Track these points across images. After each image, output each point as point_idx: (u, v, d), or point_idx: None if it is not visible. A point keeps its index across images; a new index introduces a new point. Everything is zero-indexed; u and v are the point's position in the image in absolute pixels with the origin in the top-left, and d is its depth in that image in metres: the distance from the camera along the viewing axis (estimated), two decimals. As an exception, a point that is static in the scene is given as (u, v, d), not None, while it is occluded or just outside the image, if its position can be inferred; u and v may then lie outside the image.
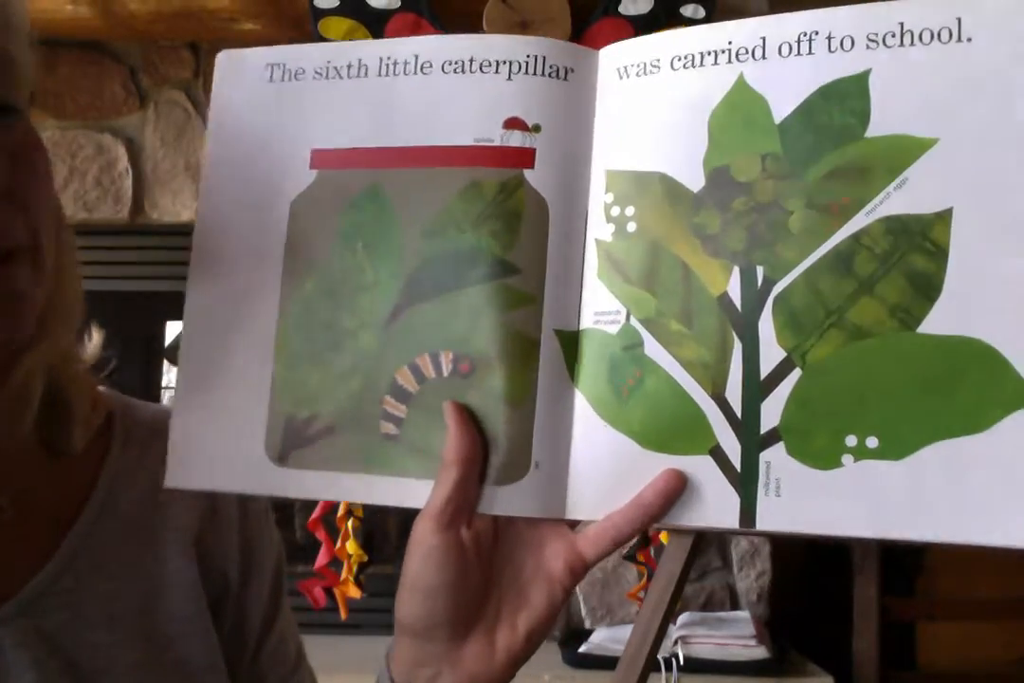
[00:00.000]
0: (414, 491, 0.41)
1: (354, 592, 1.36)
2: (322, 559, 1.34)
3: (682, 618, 1.50)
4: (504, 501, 0.40)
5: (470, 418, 0.41)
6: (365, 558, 1.36)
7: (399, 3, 1.40)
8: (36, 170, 0.40)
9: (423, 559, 0.39)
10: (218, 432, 0.44)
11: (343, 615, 1.35)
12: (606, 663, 1.35)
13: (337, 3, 1.40)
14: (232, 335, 0.45)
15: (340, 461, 0.43)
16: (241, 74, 0.47)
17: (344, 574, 1.36)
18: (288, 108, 0.46)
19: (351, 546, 1.35)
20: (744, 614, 1.53)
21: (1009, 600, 1.54)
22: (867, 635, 1.51)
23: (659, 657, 1.27)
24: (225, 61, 0.47)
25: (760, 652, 1.38)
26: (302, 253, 0.45)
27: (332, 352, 0.44)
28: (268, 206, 0.45)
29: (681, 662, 1.36)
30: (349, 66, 0.45)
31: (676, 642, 1.39)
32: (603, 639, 1.46)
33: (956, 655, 1.61)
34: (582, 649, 1.44)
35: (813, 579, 1.64)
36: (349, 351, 0.44)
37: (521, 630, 0.40)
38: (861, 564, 1.55)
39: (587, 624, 1.60)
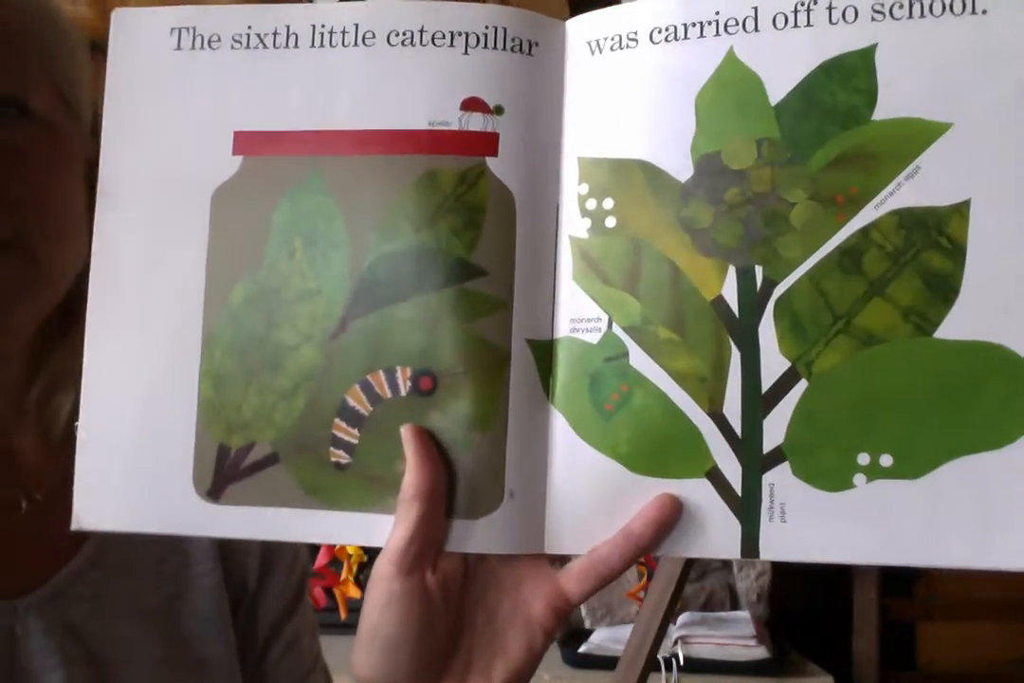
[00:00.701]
0: (372, 527, 0.37)
1: (354, 592, 1.35)
2: (322, 559, 1.33)
3: (682, 618, 1.49)
4: (475, 537, 0.36)
5: (432, 443, 0.36)
6: (365, 558, 1.35)
7: (399, 3, 1.42)
8: (33, 170, 0.41)
9: (383, 607, 0.35)
10: (134, 465, 0.39)
11: (343, 615, 1.34)
12: (606, 663, 1.33)
13: (337, 4, 1.43)
14: (144, 352, 0.39)
15: (284, 495, 0.38)
16: (140, 39, 0.40)
17: (344, 574, 1.35)
18: (201, 82, 0.40)
19: (351, 546, 1.32)
20: (744, 614, 1.53)
21: (1009, 600, 1.57)
22: (867, 635, 1.52)
23: (659, 657, 1.26)
24: (120, 22, 0.40)
25: (760, 652, 1.38)
26: (228, 254, 0.39)
27: (269, 371, 0.39)
28: (183, 199, 0.39)
29: (681, 662, 1.35)
30: (275, 33, 0.40)
31: (676, 642, 1.38)
32: (603, 639, 1.45)
33: (956, 655, 1.64)
34: (582, 649, 1.43)
35: (813, 579, 1.65)
36: (289, 369, 0.39)
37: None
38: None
39: (587, 624, 1.58)
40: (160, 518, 0.39)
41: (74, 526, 0.39)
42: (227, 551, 0.50)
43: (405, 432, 0.36)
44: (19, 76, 0.42)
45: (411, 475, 0.35)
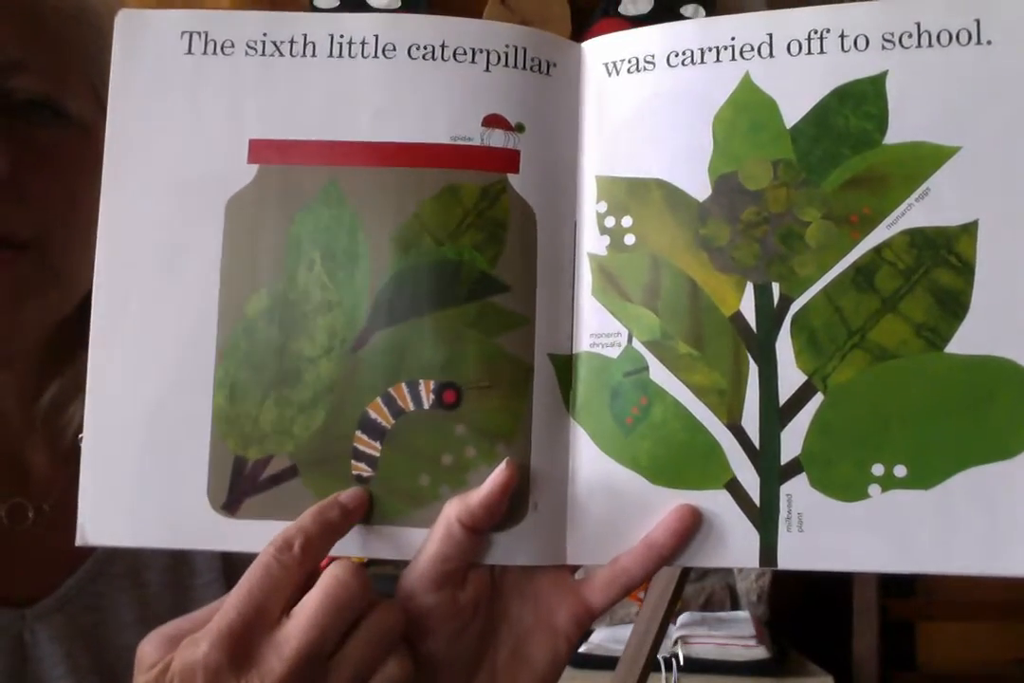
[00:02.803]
0: (395, 540, 0.38)
1: (355, 592, 1.36)
2: (324, 560, 1.33)
3: (682, 618, 1.51)
4: (500, 549, 0.37)
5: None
6: (365, 558, 1.34)
7: (399, 3, 1.45)
8: (62, 173, 0.43)
9: (411, 624, 0.36)
10: (143, 478, 0.39)
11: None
12: (606, 663, 1.34)
13: (337, 3, 1.45)
14: (154, 362, 0.40)
15: (304, 508, 0.39)
16: (149, 43, 0.40)
17: (345, 574, 1.37)
18: (215, 88, 0.40)
19: None
20: (744, 614, 1.55)
21: (1009, 600, 1.60)
22: (867, 635, 1.56)
23: (659, 657, 1.28)
24: (126, 25, 0.41)
25: (760, 652, 1.40)
26: (243, 264, 0.40)
27: (287, 383, 0.40)
28: (196, 207, 0.40)
29: (681, 662, 1.37)
30: (292, 42, 0.40)
31: (676, 642, 1.40)
32: (603, 639, 1.47)
33: (956, 655, 1.67)
34: (582, 649, 1.44)
35: (813, 579, 1.68)
36: (308, 382, 0.40)
37: (521, 693, 0.38)
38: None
39: None
40: (172, 532, 0.39)
41: (79, 541, 0.39)
42: (231, 562, 0.52)
43: (507, 468, 0.36)
44: (58, 79, 0.44)
45: (481, 508, 0.36)
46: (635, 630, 0.40)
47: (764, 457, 0.37)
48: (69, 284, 0.45)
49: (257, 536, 0.39)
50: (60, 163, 0.44)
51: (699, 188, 0.38)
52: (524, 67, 0.40)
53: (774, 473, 0.37)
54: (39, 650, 0.45)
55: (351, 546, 0.39)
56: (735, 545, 0.37)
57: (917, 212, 0.36)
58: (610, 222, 0.40)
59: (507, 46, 0.40)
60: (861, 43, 0.37)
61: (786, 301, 0.37)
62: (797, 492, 0.36)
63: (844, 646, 1.60)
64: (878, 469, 0.36)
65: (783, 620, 1.62)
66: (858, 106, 0.37)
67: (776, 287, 0.37)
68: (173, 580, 0.50)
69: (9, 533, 0.48)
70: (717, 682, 1.39)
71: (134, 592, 0.49)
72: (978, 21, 0.36)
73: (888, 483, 0.36)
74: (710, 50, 0.39)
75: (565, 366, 0.39)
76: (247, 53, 0.41)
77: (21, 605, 0.46)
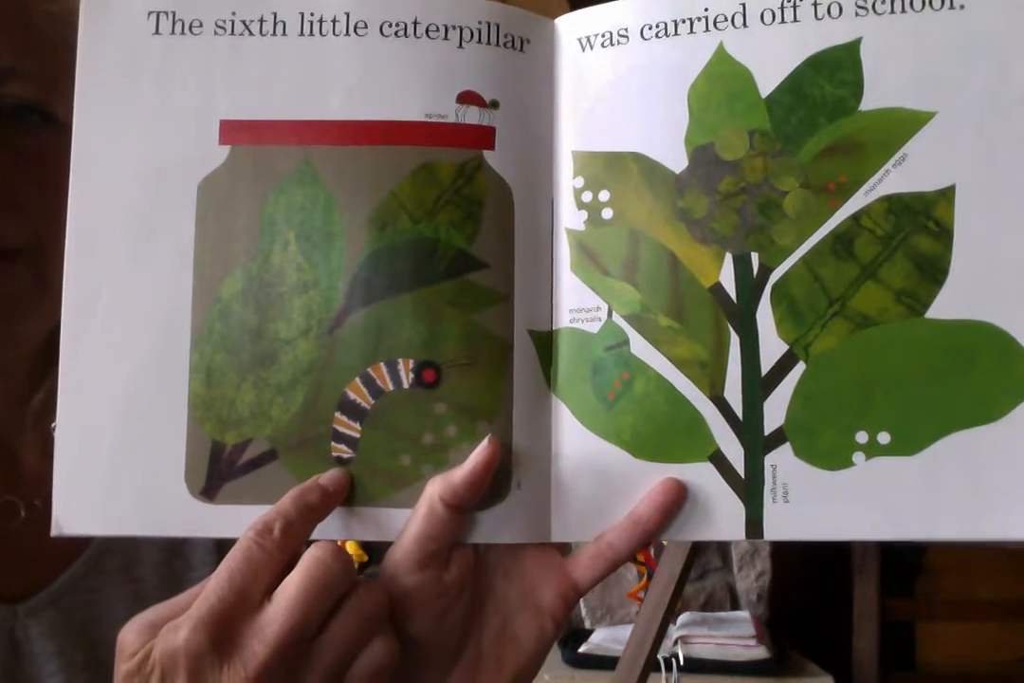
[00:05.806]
0: (378, 521, 0.38)
1: (352, 592, 1.38)
2: None
3: (682, 618, 1.53)
4: (484, 528, 0.37)
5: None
6: (365, 558, 1.35)
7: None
8: (52, 179, 0.42)
9: (395, 604, 0.36)
10: (118, 465, 0.39)
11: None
12: (606, 663, 1.38)
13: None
14: (128, 348, 0.39)
15: (284, 492, 0.39)
16: (115, 24, 0.40)
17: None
18: (184, 69, 0.40)
19: (351, 546, 1.35)
20: (744, 614, 1.57)
21: (1009, 600, 1.62)
22: (867, 635, 1.57)
23: (659, 657, 1.30)
24: (91, 6, 0.40)
25: (760, 652, 1.42)
26: (217, 247, 0.39)
27: (264, 365, 0.40)
28: (167, 190, 0.39)
29: (681, 662, 1.39)
30: (262, 20, 0.40)
31: (676, 642, 1.42)
32: (603, 639, 1.49)
33: (956, 655, 1.69)
34: (582, 649, 1.46)
35: (813, 579, 1.70)
36: (286, 364, 0.39)
37: (507, 672, 0.37)
38: (861, 564, 1.61)
39: (587, 624, 1.62)
40: (149, 520, 0.39)
41: (54, 532, 0.39)
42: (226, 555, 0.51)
43: (490, 445, 0.36)
44: (48, 84, 0.44)
45: (464, 486, 0.36)
46: (635, 630, 0.40)
47: (747, 428, 0.37)
48: (61, 291, 0.45)
49: (237, 521, 0.39)
50: (50, 169, 0.43)
51: (676, 160, 0.38)
52: (498, 43, 0.40)
53: (758, 444, 0.37)
54: (31, 646, 0.45)
55: (333, 529, 0.39)
56: (721, 517, 0.37)
57: (894, 178, 0.36)
58: (587, 197, 0.40)
59: (480, 23, 0.40)
60: (834, 10, 0.37)
61: (766, 271, 0.37)
62: (781, 462, 0.36)
63: (844, 646, 1.61)
64: (862, 437, 0.36)
65: (783, 620, 1.63)
66: (833, 74, 0.37)
67: (755, 257, 0.37)
68: (168, 575, 0.50)
69: (1, 530, 0.48)
70: (717, 682, 1.40)
71: (128, 587, 0.49)
72: (950, -14, 0.36)
73: (872, 450, 0.36)
74: (683, 22, 0.39)
75: (545, 342, 0.39)
76: (216, 33, 0.40)
77: (13, 601, 0.46)
